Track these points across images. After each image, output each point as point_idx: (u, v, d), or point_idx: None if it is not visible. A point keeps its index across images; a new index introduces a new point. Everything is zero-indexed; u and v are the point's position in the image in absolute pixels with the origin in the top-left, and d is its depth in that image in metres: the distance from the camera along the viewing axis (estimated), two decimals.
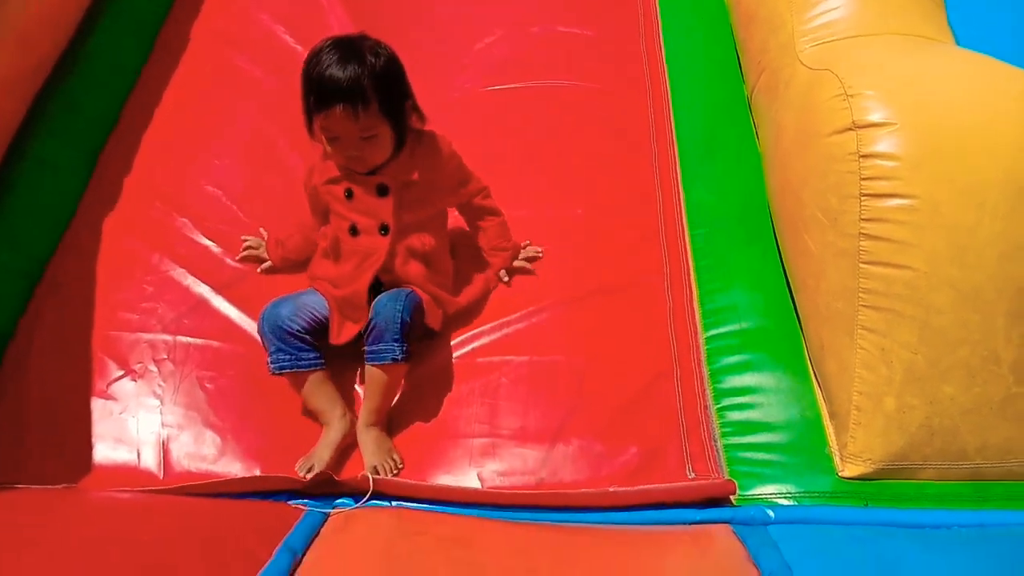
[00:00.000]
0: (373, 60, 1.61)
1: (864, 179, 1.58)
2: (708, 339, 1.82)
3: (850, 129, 1.62)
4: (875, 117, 1.59)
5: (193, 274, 1.88)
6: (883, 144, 1.56)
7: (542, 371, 1.74)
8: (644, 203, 2.09)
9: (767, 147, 2.02)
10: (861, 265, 1.59)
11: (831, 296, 1.66)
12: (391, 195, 1.71)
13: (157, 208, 2.00)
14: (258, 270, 1.91)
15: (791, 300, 1.85)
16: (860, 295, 1.60)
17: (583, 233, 2.01)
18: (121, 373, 1.71)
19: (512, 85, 2.36)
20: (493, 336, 1.82)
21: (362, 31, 1.69)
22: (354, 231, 1.72)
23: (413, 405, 1.71)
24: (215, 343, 1.77)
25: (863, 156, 1.58)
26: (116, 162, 2.06)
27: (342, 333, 1.69)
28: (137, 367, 1.72)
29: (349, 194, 1.72)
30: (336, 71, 1.58)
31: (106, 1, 2.34)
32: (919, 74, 1.67)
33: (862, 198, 1.58)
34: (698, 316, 1.86)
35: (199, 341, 1.77)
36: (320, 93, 1.59)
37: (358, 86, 1.58)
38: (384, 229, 1.72)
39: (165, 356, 1.73)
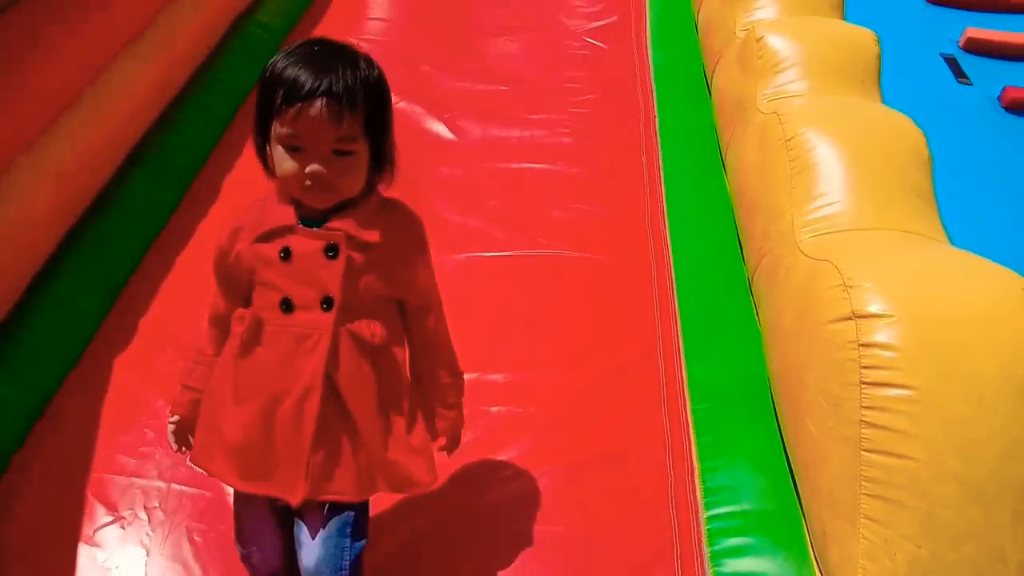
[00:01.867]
0: (366, 67, 1.32)
1: (864, 367, 1.61)
2: (709, 518, 1.79)
3: (849, 319, 1.67)
4: (874, 308, 1.64)
5: None
6: (882, 335, 1.61)
7: (542, 541, 1.70)
8: (646, 374, 2.11)
9: (768, 330, 2.07)
10: (863, 453, 1.59)
11: (833, 482, 1.65)
12: (340, 258, 1.32)
13: (168, 354, 2.02)
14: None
15: (792, 482, 1.84)
16: (863, 483, 1.59)
17: (584, 400, 2.03)
18: (110, 519, 1.68)
19: (520, 252, 2.45)
20: (493, 495, 1.79)
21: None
22: (287, 306, 1.32)
23: (406, 565, 1.66)
24: (209, 493, 1.74)
25: (862, 345, 1.62)
26: (134, 304, 2.12)
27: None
28: (127, 514, 1.68)
29: (286, 254, 1.32)
30: (319, 63, 1.26)
31: (145, 149, 2.49)
32: (916, 268, 1.74)
33: (863, 386, 1.61)
34: (700, 494, 1.84)
35: (193, 491, 1.74)
36: (294, 86, 1.24)
37: (347, 84, 1.26)
38: (327, 303, 1.32)
39: (157, 504, 1.70)
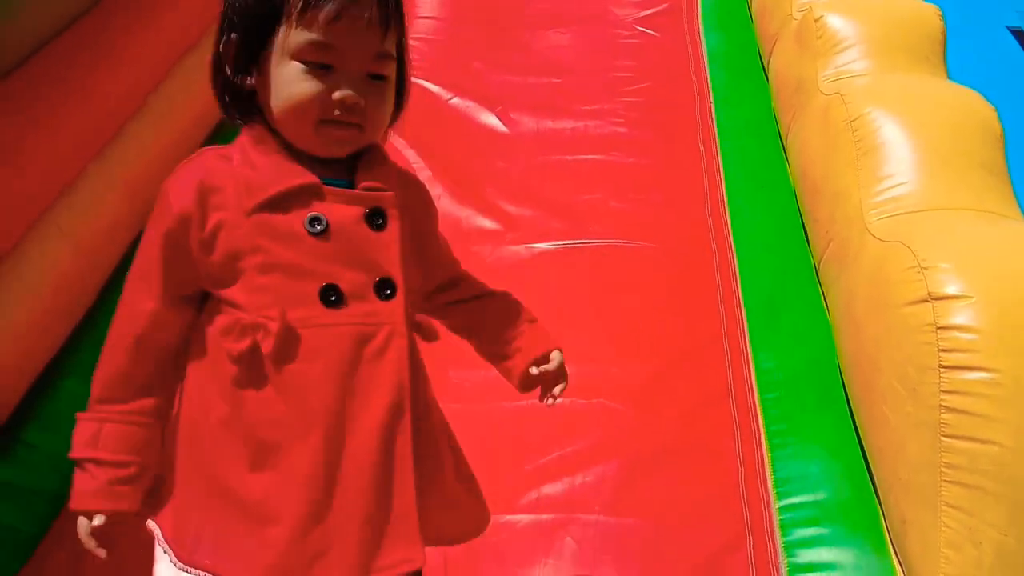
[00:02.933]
0: None
1: (943, 351, 1.56)
2: (781, 508, 1.76)
3: (926, 301, 1.62)
4: (951, 289, 1.60)
5: None
6: (961, 316, 1.56)
7: (611, 534, 1.70)
8: (712, 363, 2.09)
9: (838, 316, 2.03)
10: (943, 439, 1.54)
11: (912, 469, 1.61)
12: (392, 226, 1.01)
13: None
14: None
15: (867, 470, 1.80)
16: (943, 470, 1.54)
17: (650, 391, 2.01)
18: None
19: (579, 242, 2.45)
20: (556, 488, 1.79)
21: None
22: (334, 297, 0.97)
23: (477, 557, 1.67)
24: None
25: (940, 328, 1.58)
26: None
27: None
28: None
29: (319, 226, 0.97)
30: None
31: None
32: (993, 247, 1.69)
33: (941, 370, 1.56)
34: (771, 484, 1.81)
35: None
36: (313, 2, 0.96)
37: None
38: (387, 287, 1.00)
39: None
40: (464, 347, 2.14)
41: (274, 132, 1.02)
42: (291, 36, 0.96)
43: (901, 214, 1.96)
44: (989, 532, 1.49)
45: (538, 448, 1.88)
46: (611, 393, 1.98)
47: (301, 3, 0.95)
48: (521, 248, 2.42)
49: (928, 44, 2.43)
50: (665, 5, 3.63)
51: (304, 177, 0.99)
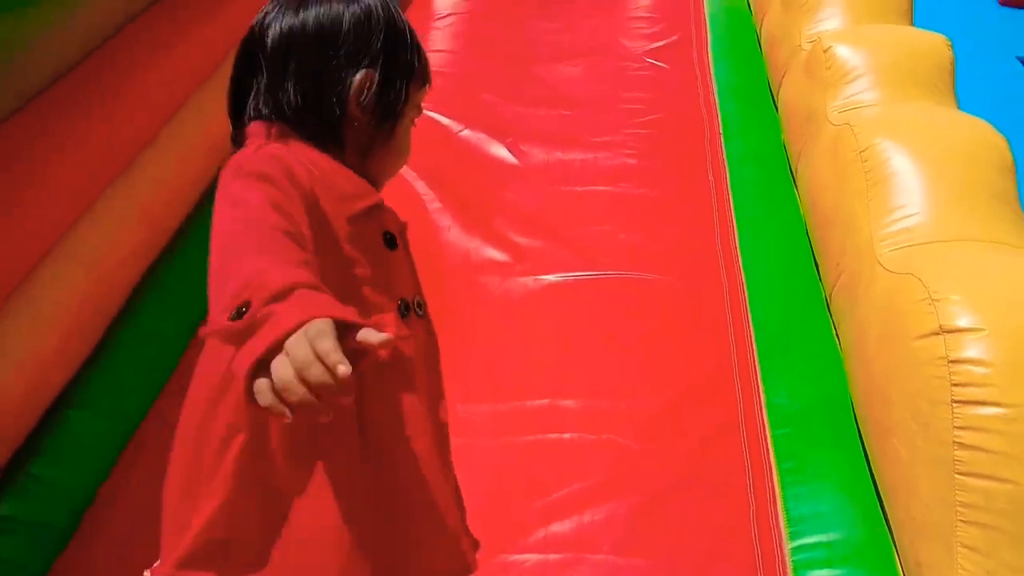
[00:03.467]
0: None
1: (955, 385, 1.54)
2: (793, 549, 1.72)
3: (937, 334, 1.59)
4: (963, 322, 1.57)
5: None
6: (973, 350, 1.53)
7: (623, 573, 1.67)
8: (723, 398, 2.06)
9: (849, 348, 2.00)
10: (957, 476, 1.51)
11: (925, 508, 1.57)
12: (405, 245, 1.10)
13: None
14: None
15: (881, 509, 1.76)
16: (958, 509, 1.51)
17: (659, 425, 1.98)
18: None
19: (589, 274, 2.44)
20: (564, 526, 1.76)
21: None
22: (405, 309, 1.03)
23: None
24: None
25: (952, 361, 1.55)
26: None
27: None
28: None
29: (391, 241, 1.05)
30: None
31: None
32: (1006, 279, 1.66)
33: (954, 405, 1.53)
34: (783, 522, 1.78)
35: None
36: (424, 59, 1.14)
37: None
38: (421, 305, 1.07)
39: None
40: (472, 381, 2.14)
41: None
42: (419, 95, 1.12)
43: (912, 245, 1.94)
44: (1007, 575, 1.45)
45: (547, 484, 1.86)
46: (620, 428, 1.96)
47: (424, 60, 1.13)
48: (530, 280, 2.41)
49: (937, 74, 2.42)
50: (675, 37, 3.66)
51: (373, 195, 1.07)
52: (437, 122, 2.96)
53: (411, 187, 2.76)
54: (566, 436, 1.94)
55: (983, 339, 1.54)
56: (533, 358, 2.14)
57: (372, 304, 0.98)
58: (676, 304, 2.35)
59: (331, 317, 0.74)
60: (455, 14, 3.76)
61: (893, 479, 1.68)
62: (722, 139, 3.08)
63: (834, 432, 1.93)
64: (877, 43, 2.52)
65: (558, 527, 1.77)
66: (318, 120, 1.05)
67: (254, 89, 1.07)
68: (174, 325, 2.17)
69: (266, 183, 0.92)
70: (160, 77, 2.35)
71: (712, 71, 3.48)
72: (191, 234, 2.44)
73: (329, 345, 0.72)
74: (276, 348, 0.73)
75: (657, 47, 3.59)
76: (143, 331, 2.12)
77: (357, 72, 1.06)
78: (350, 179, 1.05)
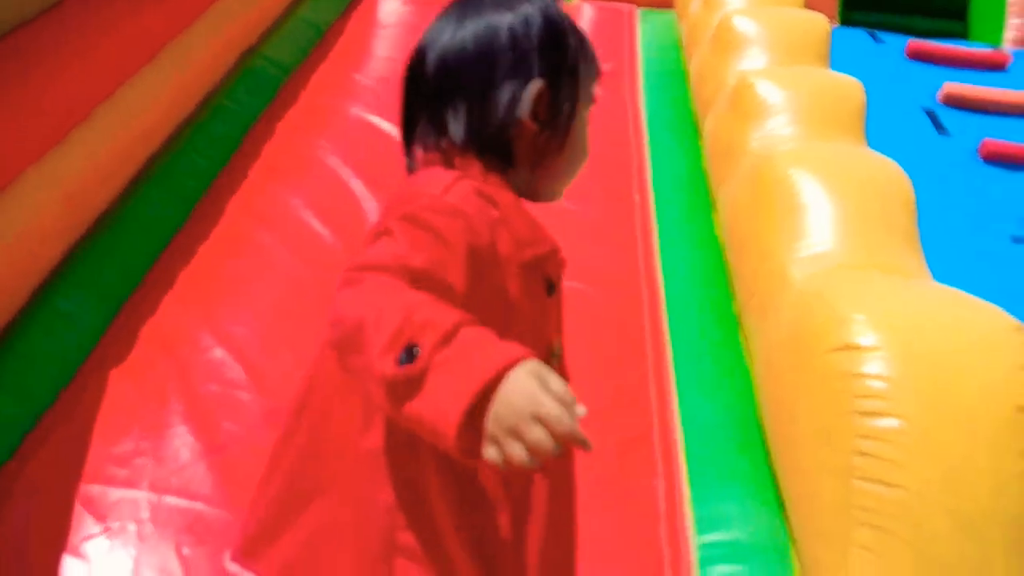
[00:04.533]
0: None
1: (856, 397, 1.64)
2: (700, 546, 1.79)
3: (842, 350, 1.70)
4: (865, 341, 1.68)
5: (191, 433, 1.87)
6: (874, 365, 1.64)
7: None
8: (638, 406, 2.13)
9: (758, 363, 2.10)
10: (855, 481, 1.61)
11: (825, 511, 1.66)
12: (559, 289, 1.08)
13: (163, 364, 2.02)
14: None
15: (782, 511, 1.85)
16: (854, 512, 1.60)
17: (581, 428, 2.03)
18: (98, 529, 1.65)
19: None
20: None
21: None
22: (553, 356, 1.08)
23: None
24: (200, 506, 1.72)
25: (855, 375, 1.65)
26: (133, 318, 2.13)
27: None
28: (115, 525, 1.66)
29: (550, 288, 1.06)
30: None
31: (152, 170, 2.52)
32: (904, 303, 1.79)
33: (855, 415, 1.64)
34: (690, 522, 1.85)
35: (184, 503, 1.72)
36: (589, 50, 1.10)
37: None
38: (558, 350, 1.10)
39: (147, 516, 1.68)
40: None
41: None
42: (591, 88, 1.06)
43: (822, 271, 2.06)
44: (897, 574, 1.55)
45: None
46: None
47: (590, 52, 1.06)
48: None
49: (850, 115, 2.59)
50: (608, 66, 3.77)
51: (552, 241, 1.04)
52: (379, 128, 2.98)
53: (347, 186, 2.77)
54: None
55: (883, 356, 1.65)
56: None
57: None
58: (599, 316, 2.42)
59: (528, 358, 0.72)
60: (400, 24, 3.79)
61: (796, 484, 1.77)
62: (649, 164, 3.20)
63: (741, 440, 2.02)
64: (796, 83, 2.68)
65: None
66: (489, 140, 1.02)
67: (423, 116, 1.06)
68: (92, 309, 2.10)
69: (430, 239, 0.89)
70: (100, 54, 2.29)
71: (643, 100, 3.61)
72: (117, 217, 2.37)
73: (563, 387, 0.73)
74: (485, 395, 0.71)
75: None
76: (59, 313, 2.04)
77: (526, 83, 1.02)
78: (529, 222, 1.03)
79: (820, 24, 3.08)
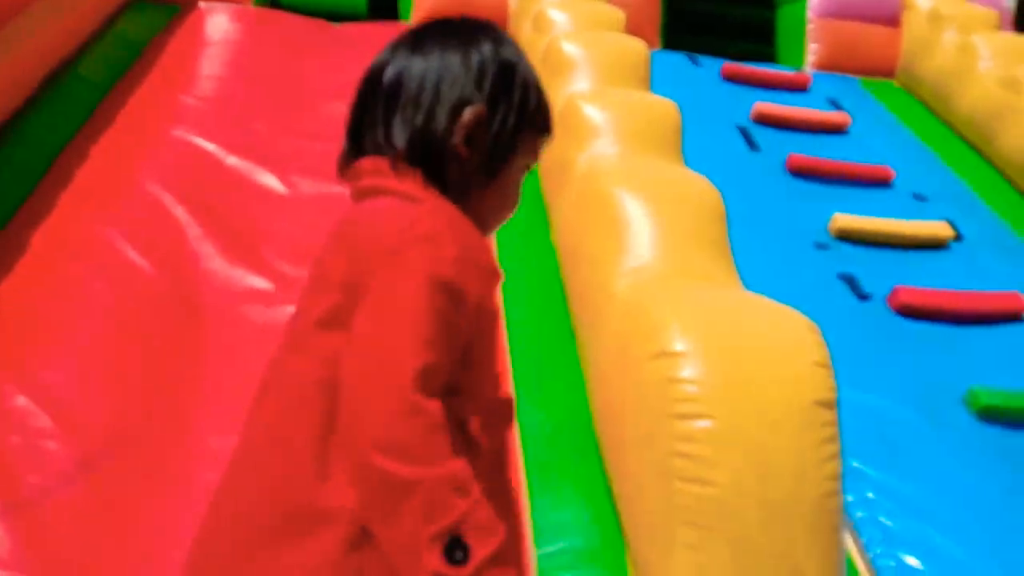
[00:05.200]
0: None
1: (673, 401, 1.75)
2: (539, 557, 1.84)
3: (660, 356, 1.81)
4: (680, 347, 1.79)
5: None
6: (688, 370, 1.75)
7: None
8: None
9: (590, 372, 2.19)
10: (676, 482, 1.71)
11: (651, 513, 1.75)
12: None
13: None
14: None
15: (617, 517, 1.93)
16: (677, 512, 1.70)
17: None
18: None
19: None
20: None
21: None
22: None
23: None
24: None
25: (671, 380, 1.76)
26: None
27: None
28: None
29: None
30: None
31: None
32: (717, 311, 1.92)
33: (672, 419, 1.74)
34: (529, 533, 1.89)
35: None
36: (544, 107, 1.15)
37: None
38: None
39: None
40: (230, 412, 2.05)
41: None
42: (535, 141, 1.12)
43: (641, 282, 2.18)
44: (716, 570, 1.66)
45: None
46: None
47: (547, 114, 1.13)
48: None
49: (667, 134, 2.76)
50: None
51: (499, 268, 1.06)
52: (202, 148, 2.86)
53: (170, 213, 2.64)
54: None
55: (697, 361, 1.77)
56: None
57: (498, 374, 1.05)
58: None
59: None
60: (227, 41, 3.66)
61: (626, 489, 1.86)
62: None
63: (579, 449, 2.10)
64: (619, 105, 2.83)
65: None
66: (426, 154, 1.05)
67: (371, 125, 1.09)
68: None
69: (450, 305, 0.93)
70: None
71: None
72: None
73: None
74: None
75: None
76: None
77: (467, 107, 1.07)
78: (485, 248, 1.05)
79: (639, 49, 3.27)
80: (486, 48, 1.10)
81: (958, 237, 3.28)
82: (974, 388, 2.47)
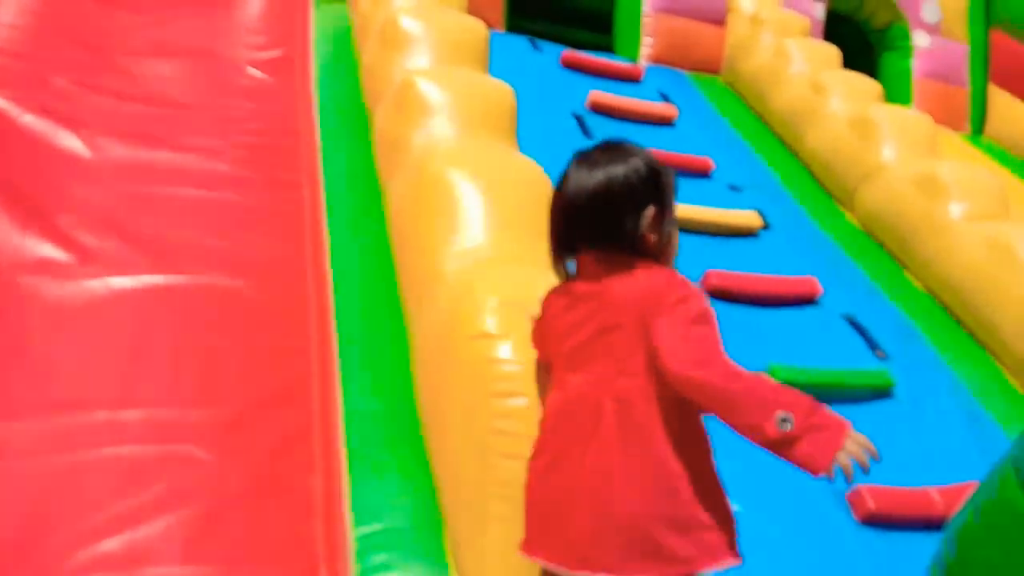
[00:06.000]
0: None
1: (492, 380, 1.78)
2: (358, 537, 1.82)
3: (481, 338, 1.84)
4: (500, 329, 1.83)
5: None
6: (504, 351, 1.79)
7: None
8: (299, 404, 2.11)
9: (416, 353, 2.19)
10: (491, 458, 1.75)
11: (468, 489, 1.79)
12: None
13: None
14: None
15: (437, 497, 1.95)
16: (491, 487, 1.74)
17: (232, 434, 1.96)
18: None
19: (166, 279, 2.32)
20: (114, 543, 1.65)
21: None
22: None
23: None
24: None
25: (490, 360, 1.80)
26: None
27: None
28: None
29: None
30: None
31: None
32: (537, 294, 1.97)
33: (491, 397, 1.77)
34: (348, 516, 1.87)
35: None
36: (675, 184, 1.61)
37: None
38: None
39: None
40: (16, 394, 1.90)
41: None
42: (675, 211, 1.59)
43: (471, 264, 2.20)
44: None
45: (98, 503, 1.72)
46: (188, 438, 1.90)
47: (674, 183, 1.59)
48: (97, 283, 2.22)
49: (501, 117, 2.78)
50: (279, 52, 3.67)
51: None
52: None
53: None
54: (125, 450, 1.82)
55: (514, 342, 1.81)
56: (93, 368, 1.97)
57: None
58: (259, 313, 2.35)
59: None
60: None
61: (445, 467, 1.88)
62: (320, 155, 3.16)
63: (402, 431, 2.09)
64: (456, 85, 2.81)
65: (108, 545, 1.65)
66: (626, 245, 1.53)
67: (574, 230, 1.58)
68: None
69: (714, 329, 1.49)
70: None
71: (315, 90, 3.56)
72: None
73: (867, 441, 1.37)
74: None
75: (260, 58, 3.57)
76: None
77: (644, 209, 1.52)
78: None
79: (479, 30, 3.27)
80: (640, 161, 1.55)
81: (767, 226, 3.54)
82: (773, 365, 2.68)
